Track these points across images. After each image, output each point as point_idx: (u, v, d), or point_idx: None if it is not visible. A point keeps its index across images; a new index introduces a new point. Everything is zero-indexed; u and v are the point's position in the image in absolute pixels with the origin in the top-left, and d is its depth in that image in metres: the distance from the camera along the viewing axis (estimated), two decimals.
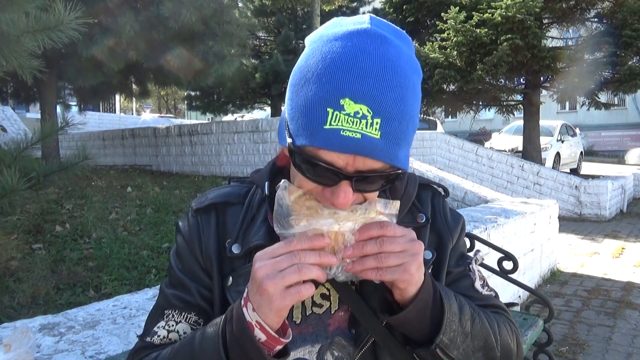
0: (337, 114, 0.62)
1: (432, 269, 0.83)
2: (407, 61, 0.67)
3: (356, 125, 0.62)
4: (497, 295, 0.92)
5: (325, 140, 0.63)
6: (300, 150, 0.66)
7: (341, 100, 0.63)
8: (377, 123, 0.63)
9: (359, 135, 0.62)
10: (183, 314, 0.80)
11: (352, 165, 0.65)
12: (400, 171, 0.69)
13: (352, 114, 0.62)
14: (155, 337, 0.80)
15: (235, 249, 0.79)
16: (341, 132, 0.62)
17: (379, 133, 0.63)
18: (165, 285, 0.85)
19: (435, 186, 0.91)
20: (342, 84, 0.63)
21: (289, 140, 0.68)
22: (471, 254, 0.93)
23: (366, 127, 0.62)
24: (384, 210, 0.69)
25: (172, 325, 0.80)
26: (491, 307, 0.88)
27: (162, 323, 0.80)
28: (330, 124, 0.63)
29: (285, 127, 0.71)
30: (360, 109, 0.62)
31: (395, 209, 0.71)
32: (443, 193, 0.91)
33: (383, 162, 0.65)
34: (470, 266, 0.88)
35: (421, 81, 0.72)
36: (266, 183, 0.82)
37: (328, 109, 0.63)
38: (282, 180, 0.70)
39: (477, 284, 0.87)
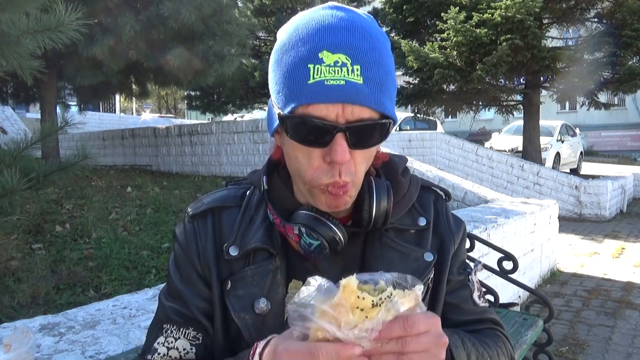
0: (318, 67, 0.64)
1: (434, 273, 0.82)
2: (372, 25, 0.70)
3: (338, 73, 0.64)
4: (497, 298, 0.92)
5: (312, 94, 0.64)
6: (291, 116, 0.67)
7: (319, 54, 0.65)
8: (357, 69, 0.64)
9: (342, 82, 0.64)
10: (181, 329, 0.79)
11: (342, 116, 0.65)
12: (390, 121, 0.69)
13: (332, 64, 0.64)
14: (156, 354, 0.79)
15: (233, 251, 0.77)
16: (325, 83, 0.64)
17: (361, 78, 0.64)
18: (164, 296, 0.83)
19: (437, 189, 0.90)
20: (318, 40, 0.66)
21: (278, 111, 0.69)
22: (471, 264, 0.93)
23: (348, 74, 0.64)
24: (407, 304, 0.58)
25: (172, 342, 0.79)
26: (487, 322, 0.87)
27: (161, 339, 0.79)
28: (313, 78, 0.64)
29: (273, 108, 0.72)
30: (339, 58, 0.64)
31: (415, 297, 0.60)
32: (445, 197, 0.90)
33: (370, 107, 0.66)
34: (470, 277, 0.88)
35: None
36: (264, 177, 0.81)
37: (309, 65, 0.65)
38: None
39: (475, 295, 0.87)
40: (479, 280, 0.90)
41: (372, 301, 0.55)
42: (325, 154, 0.67)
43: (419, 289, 0.58)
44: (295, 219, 0.75)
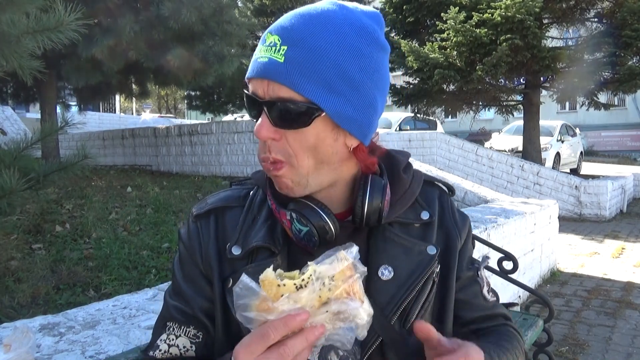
0: (260, 47, 0.71)
1: (441, 268, 0.82)
2: (347, 19, 0.70)
3: (267, 52, 0.69)
4: (497, 298, 0.92)
5: (250, 69, 0.72)
6: (243, 92, 0.74)
7: (265, 36, 0.71)
8: (283, 49, 0.68)
9: (266, 59, 0.69)
10: (182, 327, 0.81)
11: (267, 93, 0.69)
12: (313, 106, 0.69)
13: (267, 45, 0.70)
14: (157, 351, 0.81)
15: (235, 250, 0.78)
16: (257, 60, 0.70)
17: (283, 57, 0.68)
18: (168, 294, 0.85)
19: (441, 184, 0.91)
20: (274, 24, 0.72)
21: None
22: (479, 258, 0.93)
23: (273, 53, 0.68)
24: (333, 270, 0.59)
25: (173, 340, 0.80)
26: (499, 318, 0.89)
27: (163, 336, 0.81)
28: (255, 55, 0.71)
29: None
30: (273, 39, 0.69)
31: (343, 257, 0.60)
32: (448, 192, 0.91)
33: (285, 85, 0.68)
34: (479, 272, 0.88)
35: (381, 54, 0.73)
36: None
37: (259, 46, 0.72)
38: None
39: (485, 290, 0.88)
40: (487, 276, 0.91)
41: (295, 284, 0.57)
42: None
43: (350, 250, 0.60)
44: (289, 205, 0.77)
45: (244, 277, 0.58)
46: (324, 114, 0.69)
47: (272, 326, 0.56)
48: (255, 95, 0.71)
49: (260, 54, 0.70)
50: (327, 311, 0.58)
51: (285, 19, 0.71)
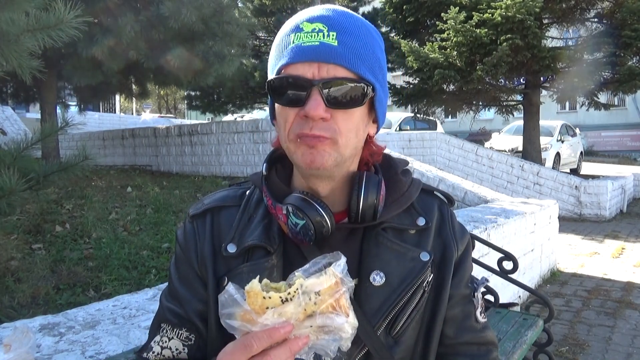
0: (298, 35, 0.71)
1: (435, 278, 0.81)
2: (356, 16, 0.76)
3: (314, 37, 0.70)
4: (497, 298, 0.93)
5: (290, 55, 0.71)
6: (273, 78, 0.73)
7: (300, 25, 0.72)
8: (333, 35, 0.70)
9: (317, 43, 0.70)
10: (175, 329, 0.81)
11: (318, 75, 0.70)
12: (369, 86, 0.72)
13: (309, 31, 0.71)
14: (151, 353, 0.81)
15: (231, 248, 0.78)
16: (302, 45, 0.70)
17: (336, 41, 0.70)
18: (164, 296, 0.85)
19: (440, 195, 0.90)
20: (300, 17, 0.74)
21: (268, 79, 0.75)
22: (478, 277, 0.92)
23: (323, 38, 0.70)
24: (320, 286, 0.58)
25: (165, 342, 0.81)
26: (486, 345, 0.87)
27: (157, 338, 0.81)
28: (293, 43, 0.71)
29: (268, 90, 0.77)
30: (316, 26, 0.71)
31: (332, 274, 0.59)
32: (447, 202, 0.90)
33: (344, 67, 0.70)
34: (476, 293, 0.87)
35: (385, 52, 0.80)
36: (265, 164, 0.84)
37: (291, 35, 0.72)
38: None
39: (478, 312, 0.87)
40: (482, 297, 0.90)
41: (281, 297, 0.57)
42: (303, 110, 0.71)
43: (338, 264, 0.60)
44: (286, 200, 0.77)
45: (230, 287, 0.58)
46: (373, 95, 0.73)
47: (255, 337, 0.56)
48: (302, 78, 0.70)
49: (304, 40, 0.70)
50: (311, 325, 0.58)
51: (319, 10, 0.73)
